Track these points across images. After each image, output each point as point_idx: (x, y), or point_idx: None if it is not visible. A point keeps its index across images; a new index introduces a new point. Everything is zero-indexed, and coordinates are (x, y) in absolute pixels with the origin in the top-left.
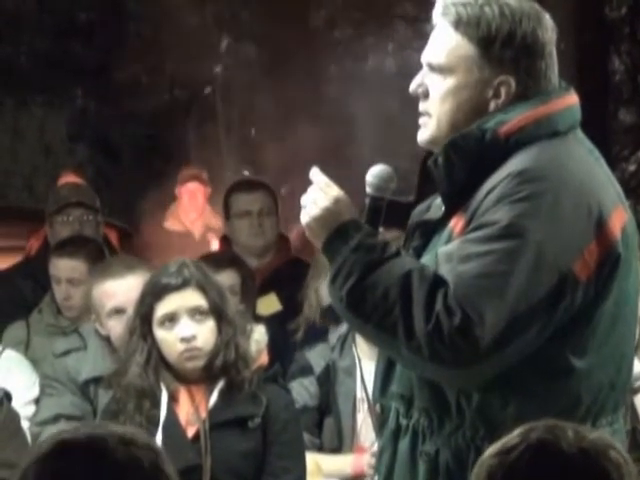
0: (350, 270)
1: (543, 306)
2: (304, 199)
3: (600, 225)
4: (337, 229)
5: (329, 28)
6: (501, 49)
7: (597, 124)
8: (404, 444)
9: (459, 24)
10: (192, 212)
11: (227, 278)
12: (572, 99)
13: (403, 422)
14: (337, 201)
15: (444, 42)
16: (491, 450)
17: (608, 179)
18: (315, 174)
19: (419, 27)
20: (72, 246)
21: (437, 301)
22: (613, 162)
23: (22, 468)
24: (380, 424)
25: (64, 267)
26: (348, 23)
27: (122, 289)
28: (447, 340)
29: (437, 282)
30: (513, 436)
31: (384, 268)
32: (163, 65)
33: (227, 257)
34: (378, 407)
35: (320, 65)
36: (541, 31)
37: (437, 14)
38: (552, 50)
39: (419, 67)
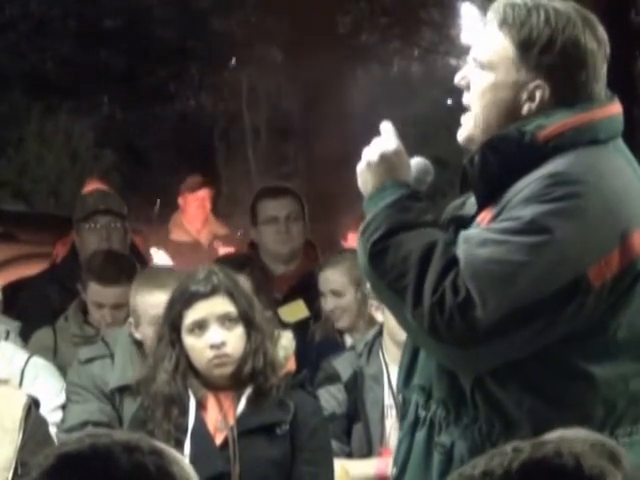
0: (380, 224)
1: (550, 304)
2: (366, 150)
3: (624, 238)
4: (383, 184)
5: (355, 33)
6: (539, 55)
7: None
8: (420, 435)
9: (503, 24)
10: (197, 221)
11: None
12: (615, 108)
13: (422, 414)
14: (397, 153)
15: (490, 39)
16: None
17: None
18: (386, 127)
19: (445, 32)
20: (112, 269)
21: (448, 277)
22: None
23: None
24: (401, 416)
25: (110, 295)
26: (374, 28)
27: None
28: (446, 315)
29: (455, 260)
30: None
31: (414, 232)
32: (189, 71)
33: (238, 261)
34: (400, 398)
35: (346, 70)
36: (585, 41)
37: (491, 11)
38: (597, 61)
39: (445, 72)
